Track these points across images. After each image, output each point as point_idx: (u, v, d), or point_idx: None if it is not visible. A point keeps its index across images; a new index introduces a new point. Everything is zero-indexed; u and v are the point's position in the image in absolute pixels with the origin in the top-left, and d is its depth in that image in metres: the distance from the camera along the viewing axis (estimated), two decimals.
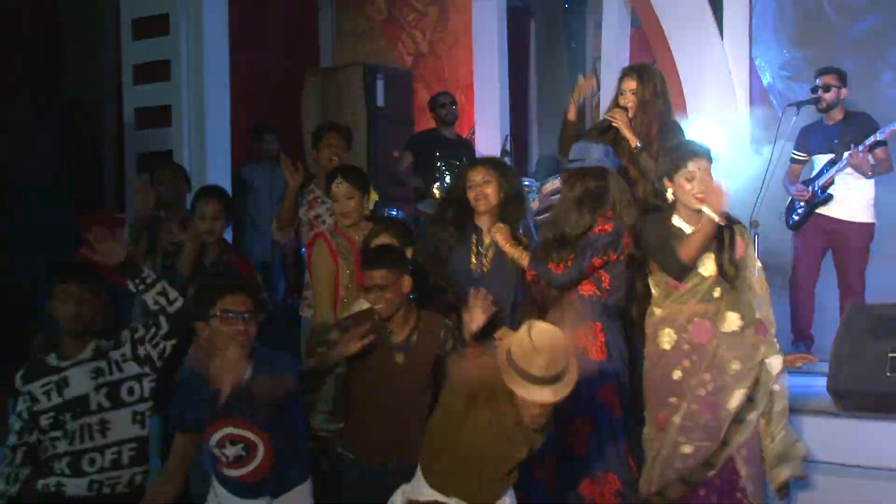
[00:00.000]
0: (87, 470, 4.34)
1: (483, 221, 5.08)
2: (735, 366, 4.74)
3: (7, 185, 7.78)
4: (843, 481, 5.02)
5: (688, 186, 4.68)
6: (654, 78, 5.56)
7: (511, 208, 5.09)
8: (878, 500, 4.90)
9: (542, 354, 3.61)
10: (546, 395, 3.64)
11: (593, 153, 4.89)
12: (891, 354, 5.18)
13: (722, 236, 4.72)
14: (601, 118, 5.59)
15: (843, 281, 6.81)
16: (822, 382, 5.40)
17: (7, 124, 7.93)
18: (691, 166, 4.67)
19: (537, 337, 3.65)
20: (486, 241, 5.06)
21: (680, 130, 5.57)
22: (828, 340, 5.66)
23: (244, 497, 4.11)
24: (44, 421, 4.37)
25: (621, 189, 4.92)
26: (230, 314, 3.96)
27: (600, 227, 4.79)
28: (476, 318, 4.47)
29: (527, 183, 7.96)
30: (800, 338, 6.89)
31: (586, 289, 4.82)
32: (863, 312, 5.55)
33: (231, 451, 4.03)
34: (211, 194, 5.66)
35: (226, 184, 8.21)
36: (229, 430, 4.02)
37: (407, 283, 4.54)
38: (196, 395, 4.02)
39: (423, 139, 8.58)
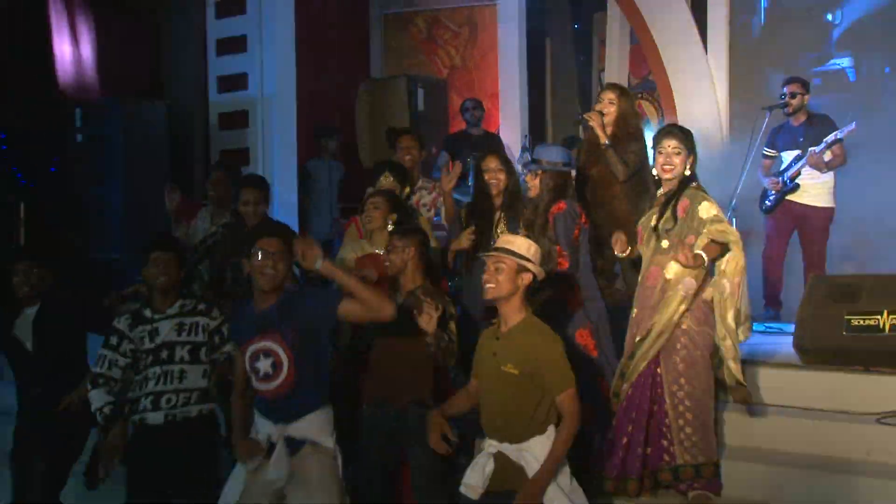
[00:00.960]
0: (163, 406, 4.49)
1: (497, 201, 5.28)
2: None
3: (124, 176, 7.94)
4: (806, 422, 5.02)
5: (660, 159, 4.82)
6: (630, 97, 5.74)
7: (516, 198, 5.28)
8: (835, 436, 4.90)
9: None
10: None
11: (552, 153, 5.10)
12: (846, 317, 5.16)
13: (674, 198, 4.78)
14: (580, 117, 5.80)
15: (808, 256, 6.80)
16: (788, 340, 5.40)
17: (124, 126, 8.09)
18: (664, 143, 4.81)
19: None
20: (496, 218, 5.27)
21: (643, 137, 5.68)
22: (794, 305, 5.67)
23: (267, 417, 4.09)
24: (142, 360, 4.52)
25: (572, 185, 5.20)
26: (259, 257, 4.03)
27: (556, 208, 4.96)
28: (462, 241, 4.53)
29: None
30: (770, 303, 6.89)
31: (563, 264, 4.92)
32: (823, 282, 5.53)
33: (262, 365, 4.03)
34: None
35: (292, 175, 8.30)
36: (264, 343, 4.03)
37: (412, 252, 4.60)
38: (245, 311, 4.16)
39: (455, 138, 8.60)
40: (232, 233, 5.79)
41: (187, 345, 4.52)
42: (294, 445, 4.05)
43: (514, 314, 4.01)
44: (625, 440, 4.71)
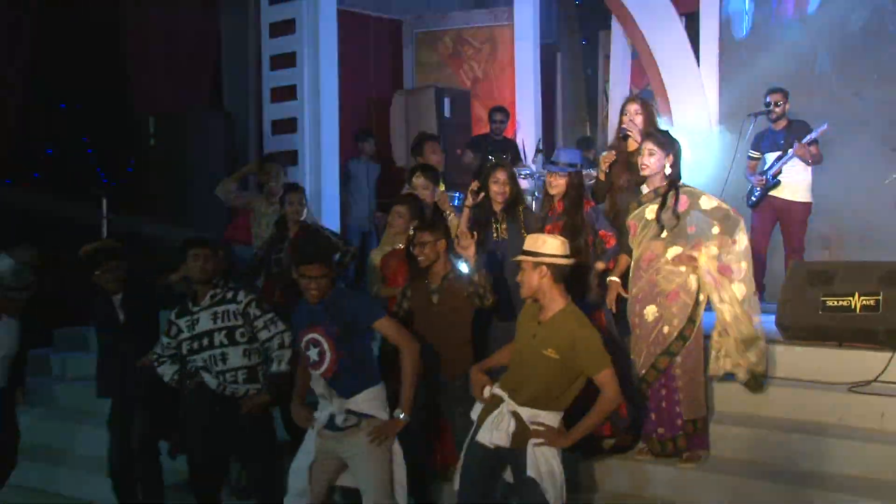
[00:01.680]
0: (215, 376, 4.65)
1: (497, 207, 5.11)
2: (667, 286, 4.70)
3: (187, 178, 8.02)
4: (786, 391, 5.04)
5: (639, 159, 4.82)
6: (648, 105, 5.70)
7: (516, 203, 5.12)
8: (811, 403, 4.91)
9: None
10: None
11: (570, 156, 5.04)
12: (822, 298, 5.17)
13: (667, 196, 4.72)
14: (618, 129, 5.62)
15: (788, 244, 6.79)
16: (771, 319, 5.38)
17: (189, 133, 8.16)
18: (643, 145, 4.82)
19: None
20: (500, 218, 5.10)
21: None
22: (776, 288, 5.66)
23: (327, 393, 4.20)
24: (184, 346, 4.68)
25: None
26: (303, 278, 4.14)
27: (587, 204, 5.00)
28: (467, 247, 4.46)
29: None
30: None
31: (610, 242, 4.95)
32: (802, 267, 5.53)
33: (312, 353, 4.15)
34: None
35: (335, 174, 8.34)
36: (312, 335, 4.15)
37: (443, 244, 4.60)
38: (301, 305, 4.28)
39: (479, 141, 8.59)
40: (274, 238, 6.00)
41: (223, 330, 4.63)
42: (352, 419, 4.13)
43: (552, 303, 3.98)
44: (664, 404, 4.72)
